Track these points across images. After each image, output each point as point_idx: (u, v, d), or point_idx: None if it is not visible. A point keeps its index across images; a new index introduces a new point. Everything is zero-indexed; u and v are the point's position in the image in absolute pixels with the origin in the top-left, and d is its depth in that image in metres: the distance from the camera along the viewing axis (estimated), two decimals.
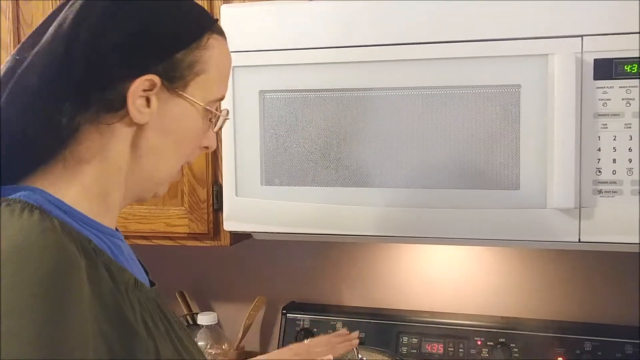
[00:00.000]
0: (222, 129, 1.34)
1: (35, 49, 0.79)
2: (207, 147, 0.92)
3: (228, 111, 0.94)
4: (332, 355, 1.31)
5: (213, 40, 0.85)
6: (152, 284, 0.93)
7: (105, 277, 0.76)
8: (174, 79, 0.82)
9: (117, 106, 0.80)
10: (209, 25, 0.86)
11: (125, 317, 0.76)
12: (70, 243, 0.73)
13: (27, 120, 0.78)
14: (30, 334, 0.66)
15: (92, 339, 0.70)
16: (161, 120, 0.83)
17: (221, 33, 0.88)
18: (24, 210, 0.73)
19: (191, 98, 0.84)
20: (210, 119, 0.89)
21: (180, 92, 0.83)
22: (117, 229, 0.90)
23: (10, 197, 0.77)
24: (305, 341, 1.36)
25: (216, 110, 0.90)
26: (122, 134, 0.82)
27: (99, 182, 0.83)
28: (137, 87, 0.79)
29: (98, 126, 0.81)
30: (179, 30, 0.83)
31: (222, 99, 0.90)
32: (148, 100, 0.81)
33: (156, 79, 0.80)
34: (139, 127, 0.82)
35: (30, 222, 0.72)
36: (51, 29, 0.80)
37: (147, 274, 0.95)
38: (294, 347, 1.34)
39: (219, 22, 0.89)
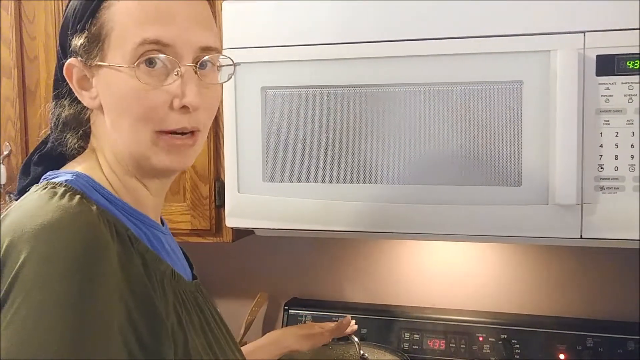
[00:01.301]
0: (225, 125, 1.36)
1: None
2: (183, 106, 0.81)
3: (175, 62, 0.81)
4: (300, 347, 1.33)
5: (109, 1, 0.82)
6: (194, 279, 0.94)
7: (137, 264, 0.78)
8: (91, 54, 0.83)
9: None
10: None
11: (154, 306, 0.77)
12: (105, 227, 0.75)
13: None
14: (55, 308, 0.68)
15: (117, 319, 0.72)
16: (103, 97, 0.84)
17: None
18: (65, 195, 0.76)
19: (107, 63, 0.81)
20: (151, 73, 0.80)
21: (99, 63, 0.82)
22: (163, 223, 0.93)
23: (56, 180, 0.80)
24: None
25: (178, 63, 0.80)
26: (98, 121, 0.86)
27: (111, 169, 0.86)
28: (67, 75, 0.84)
29: (96, 117, 0.87)
30: (77, 11, 0.84)
31: (152, 41, 0.79)
32: (88, 83, 0.85)
33: (73, 61, 0.84)
34: (101, 111, 0.85)
35: (68, 204, 0.75)
36: None
37: (192, 269, 0.96)
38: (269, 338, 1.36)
39: None
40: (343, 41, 1.28)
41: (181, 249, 0.99)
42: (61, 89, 0.88)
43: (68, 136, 0.88)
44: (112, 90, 0.82)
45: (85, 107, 0.86)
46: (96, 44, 0.82)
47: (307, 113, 1.31)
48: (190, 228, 1.51)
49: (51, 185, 0.78)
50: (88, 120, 0.87)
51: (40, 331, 0.66)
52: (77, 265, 0.70)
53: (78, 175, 0.82)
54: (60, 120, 0.88)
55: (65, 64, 0.84)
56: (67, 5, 0.87)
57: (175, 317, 0.80)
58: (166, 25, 0.80)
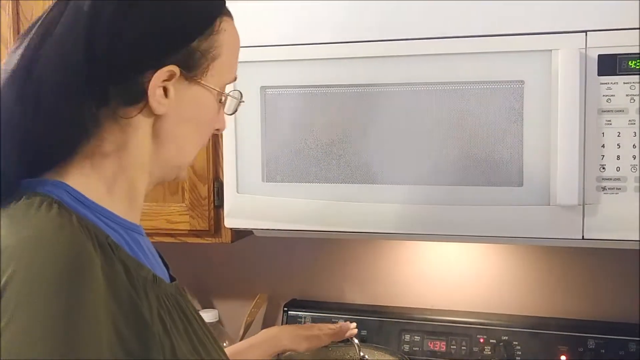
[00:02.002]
0: None
1: (47, 46, 0.79)
2: (218, 130, 0.94)
3: (241, 94, 0.96)
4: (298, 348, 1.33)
5: (224, 23, 0.86)
6: (172, 279, 0.92)
7: (121, 273, 0.76)
8: (193, 68, 0.83)
9: (137, 99, 0.81)
10: (219, 8, 0.87)
11: (141, 315, 0.75)
12: (87, 239, 0.73)
13: (47, 116, 0.78)
14: (42, 329, 0.66)
15: (106, 337, 0.70)
16: (178, 108, 0.83)
17: (229, 14, 0.89)
18: (42, 205, 0.74)
19: (207, 85, 0.85)
20: (220, 101, 0.90)
21: (199, 80, 0.84)
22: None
23: (31, 190, 0.77)
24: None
25: (229, 91, 0.93)
26: (141, 125, 0.83)
27: (122, 175, 0.83)
28: (158, 78, 0.80)
29: (118, 120, 0.81)
30: (192, 18, 0.83)
31: (234, 79, 0.92)
32: (166, 90, 0.82)
33: (176, 69, 0.81)
34: (158, 118, 0.83)
35: (47, 216, 0.72)
36: (62, 27, 0.79)
37: (167, 269, 0.94)
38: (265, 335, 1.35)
39: (225, 2, 0.90)
40: (343, 40, 1.28)
41: (156, 249, 0.97)
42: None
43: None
44: (197, 106, 0.86)
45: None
46: (200, 61, 0.84)
47: (307, 113, 1.30)
48: (189, 229, 1.50)
49: (26, 196, 0.75)
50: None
51: (29, 354, 0.64)
52: (61, 285, 0.68)
53: (54, 183, 0.79)
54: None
55: (169, 69, 0.80)
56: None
57: (161, 323, 0.78)
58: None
